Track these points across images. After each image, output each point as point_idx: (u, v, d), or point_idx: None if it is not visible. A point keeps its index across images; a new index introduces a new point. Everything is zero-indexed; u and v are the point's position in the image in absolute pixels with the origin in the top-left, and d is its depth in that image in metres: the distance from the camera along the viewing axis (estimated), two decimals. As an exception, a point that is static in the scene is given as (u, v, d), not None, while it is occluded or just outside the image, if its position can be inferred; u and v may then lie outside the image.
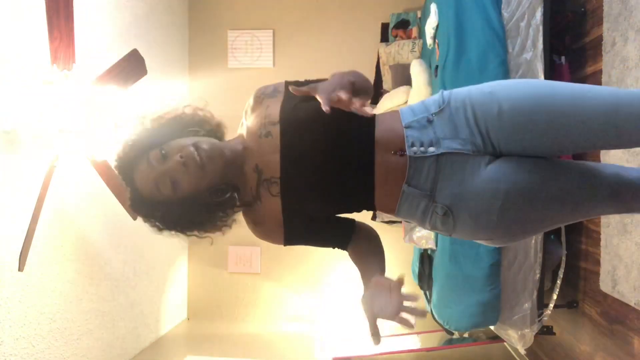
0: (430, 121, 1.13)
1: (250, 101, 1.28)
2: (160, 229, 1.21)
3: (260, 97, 1.26)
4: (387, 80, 3.78)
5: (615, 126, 1.04)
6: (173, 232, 1.20)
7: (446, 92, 1.18)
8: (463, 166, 1.10)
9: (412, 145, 1.11)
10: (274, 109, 1.21)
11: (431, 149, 1.10)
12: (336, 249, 1.26)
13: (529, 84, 1.13)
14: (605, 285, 2.21)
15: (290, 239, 1.21)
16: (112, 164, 1.25)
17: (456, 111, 1.13)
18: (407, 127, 1.13)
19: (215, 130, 1.26)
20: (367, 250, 1.24)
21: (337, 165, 1.13)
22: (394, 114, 1.20)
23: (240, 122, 1.30)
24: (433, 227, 1.16)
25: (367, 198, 1.16)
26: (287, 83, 1.26)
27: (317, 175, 1.13)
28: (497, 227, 1.11)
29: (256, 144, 1.19)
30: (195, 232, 1.21)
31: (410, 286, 3.73)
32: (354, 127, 1.14)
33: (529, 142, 1.09)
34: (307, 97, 1.12)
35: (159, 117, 1.23)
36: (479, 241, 1.20)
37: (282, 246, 1.23)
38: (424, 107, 1.17)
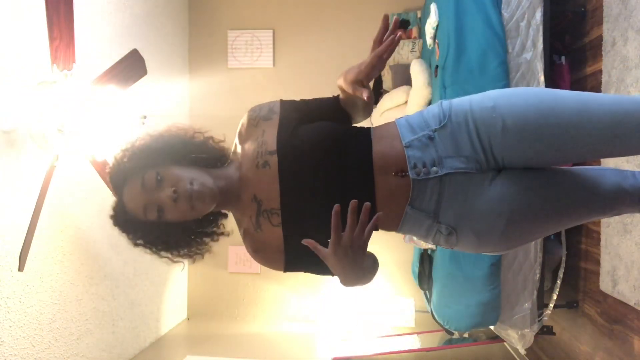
0: (431, 138, 1.10)
1: (244, 121, 1.23)
2: (135, 244, 1.20)
3: (255, 120, 1.21)
4: (387, 80, 3.77)
5: (621, 136, 1.04)
6: (147, 250, 1.20)
7: (446, 104, 1.14)
8: (467, 185, 1.09)
9: (415, 166, 1.08)
10: (270, 135, 1.16)
11: (434, 169, 1.08)
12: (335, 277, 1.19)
13: (532, 95, 1.09)
14: (605, 285, 2.21)
15: (291, 266, 1.19)
16: (107, 167, 1.24)
17: (458, 127, 1.10)
18: (408, 146, 1.10)
19: (217, 160, 1.21)
20: None
21: (338, 193, 1.10)
22: (391, 129, 1.16)
23: (234, 143, 1.26)
24: (436, 243, 1.17)
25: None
26: (283, 103, 1.22)
27: (318, 204, 1.09)
28: (499, 242, 1.11)
29: (253, 173, 1.15)
30: (168, 255, 1.19)
31: (411, 286, 3.73)
32: (352, 152, 1.11)
33: (533, 155, 1.08)
34: (305, 118, 1.13)
35: (167, 134, 1.20)
36: (481, 252, 1.20)
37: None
38: (424, 121, 1.14)
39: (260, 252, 1.19)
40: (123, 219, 1.18)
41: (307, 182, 1.11)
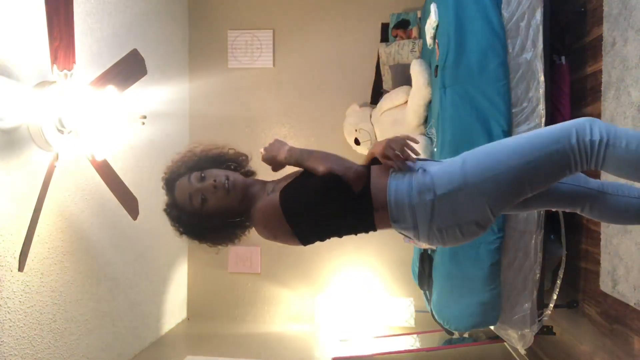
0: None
1: None
2: (181, 233, 1.54)
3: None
4: (387, 80, 3.78)
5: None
6: (191, 238, 1.53)
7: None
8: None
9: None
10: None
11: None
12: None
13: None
14: (605, 285, 2.21)
15: (306, 241, 1.46)
16: (162, 176, 1.57)
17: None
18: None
19: (246, 172, 1.60)
20: None
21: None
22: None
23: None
24: (418, 194, 1.40)
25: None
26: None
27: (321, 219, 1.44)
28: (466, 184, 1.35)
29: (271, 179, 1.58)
30: (209, 242, 1.53)
31: (411, 286, 3.74)
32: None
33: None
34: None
35: (208, 148, 1.58)
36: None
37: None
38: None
39: (277, 238, 1.48)
40: (174, 210, 1.51)
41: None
